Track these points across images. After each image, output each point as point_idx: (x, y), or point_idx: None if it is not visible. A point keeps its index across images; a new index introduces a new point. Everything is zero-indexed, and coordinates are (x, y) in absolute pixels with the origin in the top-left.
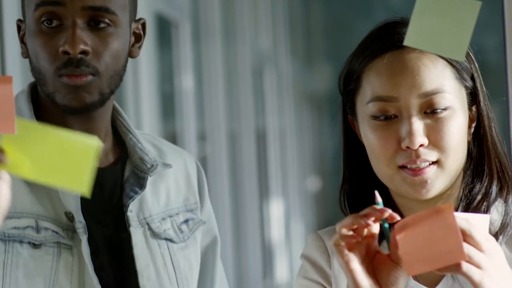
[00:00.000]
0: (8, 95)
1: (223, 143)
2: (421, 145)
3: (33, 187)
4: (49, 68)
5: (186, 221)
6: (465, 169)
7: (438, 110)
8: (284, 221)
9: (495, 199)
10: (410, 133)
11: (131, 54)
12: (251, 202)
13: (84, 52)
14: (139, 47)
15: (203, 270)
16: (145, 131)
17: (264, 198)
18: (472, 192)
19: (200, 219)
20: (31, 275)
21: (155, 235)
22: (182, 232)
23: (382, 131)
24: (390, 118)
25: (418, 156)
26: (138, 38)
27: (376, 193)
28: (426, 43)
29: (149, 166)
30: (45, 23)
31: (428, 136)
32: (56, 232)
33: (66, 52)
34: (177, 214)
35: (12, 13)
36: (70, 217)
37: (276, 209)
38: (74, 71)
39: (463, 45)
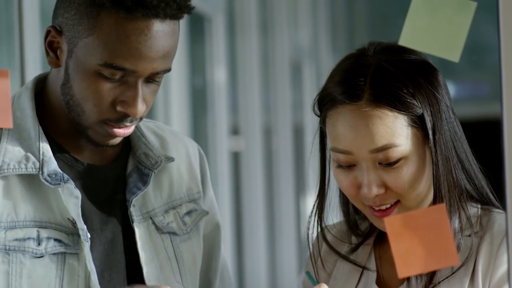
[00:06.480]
0: (4, 89)
1: (258, 137)
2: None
3: (35, 193)
4: (94, 114)
5: (189, 213)
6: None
7: (391, 163)
8: None
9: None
10: (367, 185)
11: None
12: (287, 198)
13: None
14: None
15: (206, 258)
16: (174, 125)
17: (300, 193)
18: None
19: (203, 209)
20: (35, 285)
21: (158, 229)
22: (185, 224)
23: (344, 177)
24: (350, 167)
25: (376, 202)
26: None
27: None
28: (421, 43)
29: (153, 162)
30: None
31: (384, 183)
32: (59, 240)
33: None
34: (180, 205)
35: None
36: (73, 223)
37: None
38: (124, 124)
39: (458, 45)
